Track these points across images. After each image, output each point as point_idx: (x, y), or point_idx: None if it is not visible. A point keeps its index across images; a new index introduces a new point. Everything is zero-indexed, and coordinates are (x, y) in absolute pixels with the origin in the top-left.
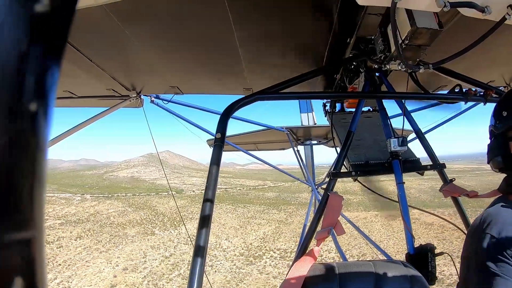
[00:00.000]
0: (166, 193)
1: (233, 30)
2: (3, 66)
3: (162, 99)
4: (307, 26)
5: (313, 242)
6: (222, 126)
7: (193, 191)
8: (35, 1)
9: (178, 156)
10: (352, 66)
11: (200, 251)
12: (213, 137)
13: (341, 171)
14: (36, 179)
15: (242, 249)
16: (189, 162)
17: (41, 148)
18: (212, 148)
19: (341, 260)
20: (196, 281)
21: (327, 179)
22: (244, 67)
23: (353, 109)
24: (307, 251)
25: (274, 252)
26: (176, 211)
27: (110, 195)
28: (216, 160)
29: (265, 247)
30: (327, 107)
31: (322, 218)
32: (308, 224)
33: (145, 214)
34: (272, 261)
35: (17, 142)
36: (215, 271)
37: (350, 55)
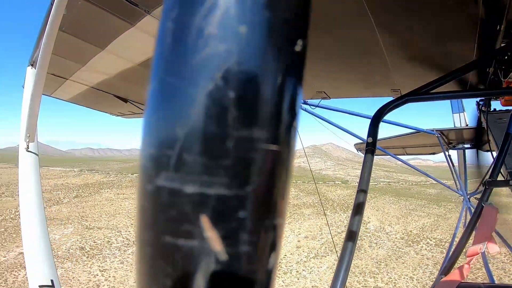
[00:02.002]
0: (333, 182)
1: (376, 32)
2: (273, 93)
3: (310, 105)
4: (452, 19)
5: (462, 257)
6: (373, 130)
7: (357, 182)
8: (294, 44)
9: (341, 149)
10: (506, 57)
11: (352, 236)
12: (361, 141)
13: (498, 179)
14: (288, 177)
15: (403, 234)
16: (351, 155)
17: (292, 154)
18: (360, 152)
19: (488, 281)
20: (345, 264)
21: (481, 188)
22: (390, 68)
23: (511, 107)
24: (454, 267)
25: (431, 240)
26: (343, 197)
27: None
28: (368, 166)
29: (423, 235)
30: (481, 106)
31: (474, 232)
32: (457, 238)
33: (316, 198)
34: (428, 246)
35: (283, 149)
36: (379, 247)
37: (502, 45)
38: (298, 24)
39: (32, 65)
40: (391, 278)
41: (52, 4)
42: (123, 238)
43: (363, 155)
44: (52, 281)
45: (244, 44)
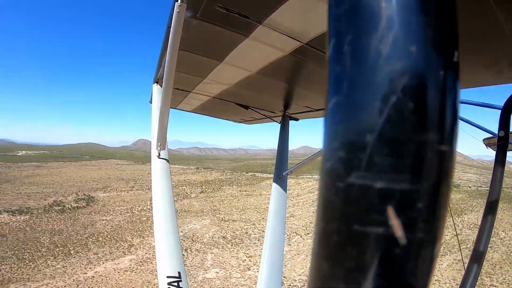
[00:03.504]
0: None
1: (495, 11)
2: (441, 101)
3: None
4: None
5: None
6: (504, 122)
7: (469, 187)
8: (453, 55)
9: None
10: None
11: (477, 256)
12: (491, 136)
13: None
14: (452, 173)
15: None
16: (461, 157)
17: (455, 152)
18: (489, 148)
19: None
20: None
21: None
22: None
23: None
24: None
25: None
26: (456, 202)
27: None
28: (501, 164)
29: None
30: None
31: None
32: None
33: None
34: None
35: (449, 149)
36: (494, 251)
37: None
38: (454, 38)
39: (157, 82)
40: (505, 279)
41: (169, 27)
42: (258, 230)
43: (494, 152)
44: (179, 273)
45: (416, 61)
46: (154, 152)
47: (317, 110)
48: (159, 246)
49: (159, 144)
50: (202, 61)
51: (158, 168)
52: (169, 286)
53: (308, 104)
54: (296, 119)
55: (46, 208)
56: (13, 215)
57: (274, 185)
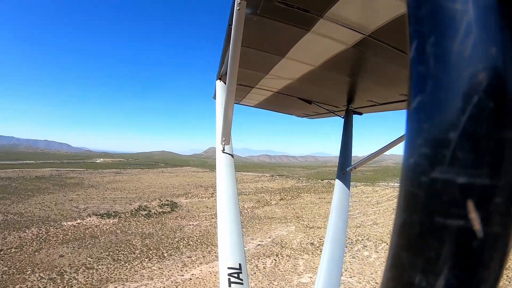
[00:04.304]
0: None
1: None
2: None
3: None
4: None
5: None
6: None
7: None
8: None
9: None
10: None
11: None
12: None
13: None
14: None
15: None
16: None
17: None
18: None
19: None
20: None
21: None
22: None
23: None
24: None
25: None
26: None
27: None
28: None
29: None
30: None
31: None
32: None
33: None
34: None
35: None
36: None
37: None
38: None
39: (220, 78)
40: None
41: (230, 25)
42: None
43: None
44: (240, 264)
45: (496, 62)
46: (218, 147)
47: (381, 104)
48: (222, 238)
49: (224, 139)
50: (265, 56)
51: (222, 162)
52: (229, 277)
53: (371, 98)
54: (360, 113)
55: (133, 212)
56: (102, 218)
57: (337, 181)
